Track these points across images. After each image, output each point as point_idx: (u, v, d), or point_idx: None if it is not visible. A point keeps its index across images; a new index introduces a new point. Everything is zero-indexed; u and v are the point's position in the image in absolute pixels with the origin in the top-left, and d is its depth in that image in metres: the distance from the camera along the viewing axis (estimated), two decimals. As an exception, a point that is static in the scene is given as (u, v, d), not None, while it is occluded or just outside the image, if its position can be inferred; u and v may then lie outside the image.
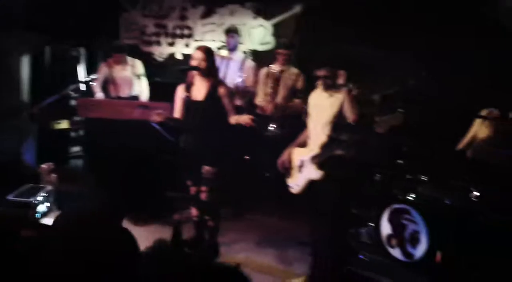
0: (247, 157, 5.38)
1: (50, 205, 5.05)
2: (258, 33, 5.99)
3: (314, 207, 3.78)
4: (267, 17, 5.96)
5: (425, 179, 4.02)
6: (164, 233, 4.50)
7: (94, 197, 5.29)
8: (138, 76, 5.69)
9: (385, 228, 3.96)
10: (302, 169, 3.83)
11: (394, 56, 5.03)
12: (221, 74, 4.72)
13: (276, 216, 5.20)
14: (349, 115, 3.59)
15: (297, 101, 5.08)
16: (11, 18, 6.38)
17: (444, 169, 4.05)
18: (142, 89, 5.70)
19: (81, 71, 6.97)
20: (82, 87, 5.85)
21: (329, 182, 3.65)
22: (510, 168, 3.71)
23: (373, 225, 4.07)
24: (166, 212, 5.11)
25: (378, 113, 3.68)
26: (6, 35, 6.61)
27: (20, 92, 6.85)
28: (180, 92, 4.05)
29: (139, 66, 5.74)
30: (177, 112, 4.09)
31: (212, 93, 3.95)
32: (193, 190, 4.16)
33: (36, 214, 4.64)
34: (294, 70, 5.22)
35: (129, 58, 5.71)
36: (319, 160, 3.66)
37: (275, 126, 5.05)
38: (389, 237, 3.91)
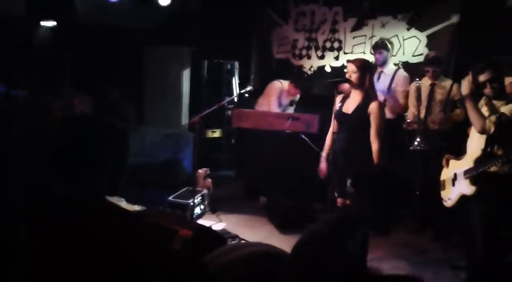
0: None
1: (205, 207, 5.42)
2: (411, 44, 5.81)
3: (465, 226, 3.56)
4: (421, 28, 5.75)
5: None
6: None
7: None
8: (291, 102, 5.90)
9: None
10: (455, 182, 3.63)
11: None
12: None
13: (425, 235, 4.99)
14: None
15: (458, 111, 4.82)
16: (173, 35, 7.02)
17: None
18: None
19: (235, 84, 7.41)
20: (236, 99, 6.21)
21: (481, 199, 3.42)
22: None
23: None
24: (312, 222, 5.20)
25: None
26: (168, 51, 7.29)
27: (180, 104, 7.49)
28: (336, 103, 4.07)
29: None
30: (332, 124, 4.11)
31: (361, 107, 3.90)
32: (339, 202, 4.16)
33: (193, 215, 5.01)
34: (447, 82, 4.97)
35: None
36: (471, 175, 3.44)
37: (419, 140, 4.85)
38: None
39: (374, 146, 3.82)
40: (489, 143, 3.42)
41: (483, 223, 3.43)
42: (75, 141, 1.60)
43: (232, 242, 4.58)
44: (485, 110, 3.48)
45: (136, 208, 3.69)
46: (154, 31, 7.28)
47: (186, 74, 7.60)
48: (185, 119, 7.53)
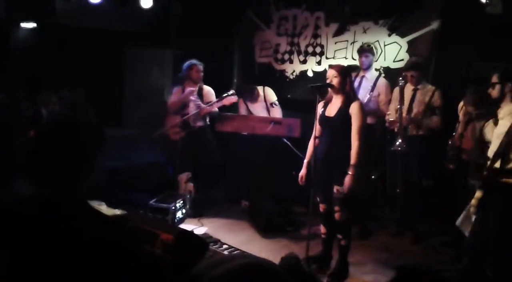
0: (373, 177, 5.29)
1: (186, 211, 5.39)
2: (392, 50, 5.86)
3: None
4: (402, 33, 5.81)
5: None
6: (293, 247, 4.63)
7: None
8: (272, 104, 5.81)
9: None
10: None
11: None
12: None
13: (405, 238, 5.04)
14: None
15: (434, 118, 4.89)
16: (155, 38, 6.98)
17: None
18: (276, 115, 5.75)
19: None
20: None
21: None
22: None
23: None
24: (292, 226, 5.21)
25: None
26: (150, 53, 7.24)
27: (162, 107, 7.41)
28: (318, 108, 4.09)
29: (271, 94, 5.85)
30: (315, 129, 4.13)
31: (343, 110, 3.94)
32: (322, 207, 4.17)
33: (174, 219, 4.98)
34: (429, 87, 5.03)
35: (259, 89, 5.85)
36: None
37: (400, 142, 4.90)
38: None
39: (354, 145, 3.85)
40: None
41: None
42: (51, 143, 1.59)
43: (215, 249, 4.57)
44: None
45: (117, 212, 3.65)
46: (136, 33, 7.23)
47: (168, 77, 7.55)
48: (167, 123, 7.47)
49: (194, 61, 5.61)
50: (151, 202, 5.14)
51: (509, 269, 3.36)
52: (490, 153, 3.43)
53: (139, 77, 7.61)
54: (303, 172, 4.19)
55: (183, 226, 5.03)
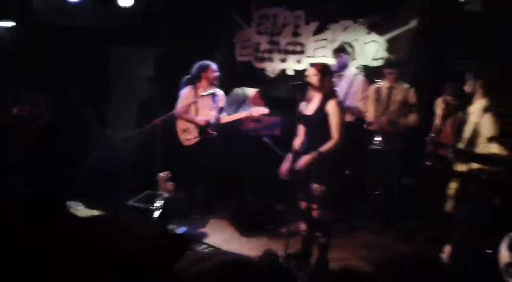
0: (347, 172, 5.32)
1: (166, 211, 5.35)
2: (371, 48, 5.90)
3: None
4: (380, 32, 5.86)
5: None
6: (273, 245, 4.63)
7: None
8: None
9: (504, 256, 3.67)
10: None
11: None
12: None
13: (388, 235, 5.08)
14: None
15: (412, 116, 4.94)
16: (137, 36, 6.91)
17: None
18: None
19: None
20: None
21: None
22: None
23: (491, 252, 3.80)
24: (273, 224, 5.22)
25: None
26: (133, 52, 7.18)
27: (144, 106, 7.34)
28: (300, 107, 4.10)
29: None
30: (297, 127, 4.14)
31: (321, 108, 3.96)
32: (303, 205, 4.18)
33: (153, 220, 4.94)
34: (404, 85, 5.09)
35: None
36: None
37: (379, 140, 4.94)
38: (509, 266, 3.62)
39: (332, 139, 3.89)
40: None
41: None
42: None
43: (196, 248, 4.55)
44: None
45: (95, 212, 3.61)
46: (118, 32, 7.14)
47: (150, 76, 7.48)
48: (149, 122, 7.40)
49: (207, 62, 5.34)
50: (130, 202, 5.10)
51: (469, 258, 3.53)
52: (461, 145, 3.63)
53: (121, 76, 7.53)
54: (284, 166, 4.19)
55: (163, 225, 4.99)
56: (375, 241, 4.99)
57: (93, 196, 5.05)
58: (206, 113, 5.29)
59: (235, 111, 5.71)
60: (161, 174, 5.49)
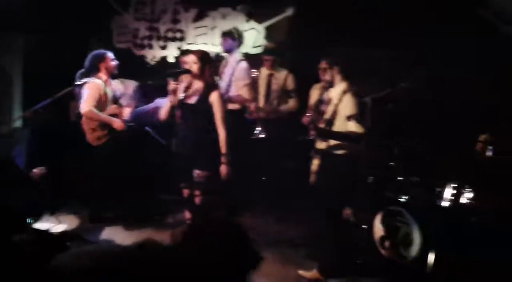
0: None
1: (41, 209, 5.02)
2: (250, 36, 5.98)
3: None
4: (259, 20, 5.96)
5: (417, 180, 4.03)
6: (156, 235, 4.54)
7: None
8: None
9: (378, 230, 3.96)
10: None
11: (386, 58, 5.07)
12: (216, 78, 4.72)
13: (270, 218, 5.21)
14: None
15: (291, 101, 5.10)
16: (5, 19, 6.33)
17: (436, 170, 4.06)
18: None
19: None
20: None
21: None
22: (504, 168, 3.76)
23: (366, 227, 4.07)
24: (159, 214, 5.13)
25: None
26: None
27: (10, 96, 6.80)
28: (177, 93, 4.03)
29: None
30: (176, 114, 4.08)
31: (203, 97, 3.95)
32: (186, 192, 4.16)
33: (28, 219, 4.61)
34: (282, 72, 5.23)
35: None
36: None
37: (260, 129, 5.05)
38: (382, 239, 3.92)
39: (221, 134, 3.91)
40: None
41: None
42: None
43: (76, 244, 4.33)
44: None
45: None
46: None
47: (18, 63, 6.90)
48: (18, 114, 6.85)
49: (102, 50, 4.95)
50: None
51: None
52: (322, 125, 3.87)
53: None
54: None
55: (40, 224, 4.68)
56: (256, 223, 5.03)
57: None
58: (113, 109, 4.93)
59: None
60: (35, 170, 5.13)
